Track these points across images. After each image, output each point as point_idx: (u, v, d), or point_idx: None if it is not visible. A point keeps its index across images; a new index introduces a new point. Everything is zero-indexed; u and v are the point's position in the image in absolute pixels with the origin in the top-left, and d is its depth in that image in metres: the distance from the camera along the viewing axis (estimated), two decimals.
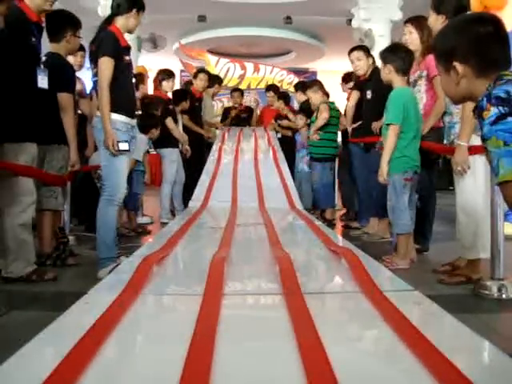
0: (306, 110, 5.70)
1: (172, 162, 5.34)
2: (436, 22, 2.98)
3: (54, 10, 3.37)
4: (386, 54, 3.19)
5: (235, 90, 7.79)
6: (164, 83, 5.48)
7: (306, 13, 9.21)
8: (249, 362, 0.98)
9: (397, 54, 3.15)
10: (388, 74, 3.16)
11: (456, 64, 1.53)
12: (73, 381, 0.85)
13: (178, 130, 5.36)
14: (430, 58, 3.27)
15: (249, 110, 7.75)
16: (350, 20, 8.78)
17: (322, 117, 4.95)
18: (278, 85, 9.14)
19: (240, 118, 7.39)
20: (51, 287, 2.77)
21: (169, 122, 5.19)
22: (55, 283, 2.85)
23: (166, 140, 5.16)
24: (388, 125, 3.08)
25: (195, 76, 6.29)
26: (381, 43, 7.63)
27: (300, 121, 5.78)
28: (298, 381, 0.86)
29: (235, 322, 1.22)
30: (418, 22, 3.48)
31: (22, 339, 1.04)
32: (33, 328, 1.13)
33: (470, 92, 1.55)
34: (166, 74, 5.56)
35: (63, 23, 3.37)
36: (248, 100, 11.60)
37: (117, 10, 2.99)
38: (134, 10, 2.99)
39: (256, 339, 1.12)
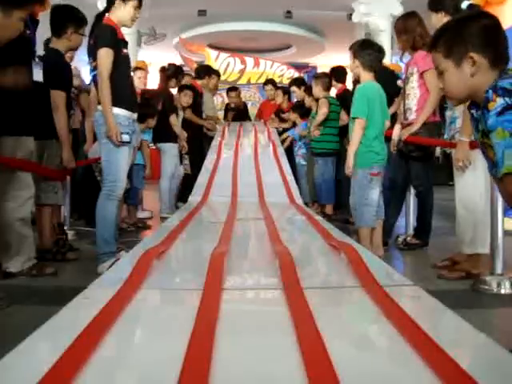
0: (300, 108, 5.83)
1: (172, 156, 5.34)
2: (438, 21, 2.96)
3: (59, 5, 3.35)
4: (356, 49, 3.18)
5: (231, 89, 7.78)
6: (173, 80, 5.50)
7: (306, 7, 9.20)
8: (248, 356, 0.98)
9: (365, 50, 3.15)
10: (355, 68, 3.16)
11: (473, 55, 1.50)
12: (72, 376, 0.85)
13: (179, 127, 5.36)
14: (419, 54, 3.31)
15: (243, 107, 7.78)
16: (351, 15, 8.76)
17: (322, 112, 4.96)
18: (278, 80, 9.15)
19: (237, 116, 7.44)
20: (51, 282, 2.77)
21: (173, 118, 5.18)
22: (55, 278, 2.86)
23: (166, 135, 5.16)
24: (354, 119, 3.08)
25: (201, 77, 6.28)
26: (381, 38, 7.63)
27: (291, 117, 5.94)
28: (297, 375, 0.86)
29: (235, 316, 1.22)
30: (397, 23, 3.56)
31: (22, 334, 1.04)
32: (32, 322, 1.13)
33: (478, 87, 1.51)
34: (182, 72, 5.63)
35: (65, 19, 3.32)
36: (248, 95, 11.62)
37: (110, 4, 2.99)
38: (128, 3, 2.97)
39: (256, 334, 1.12)
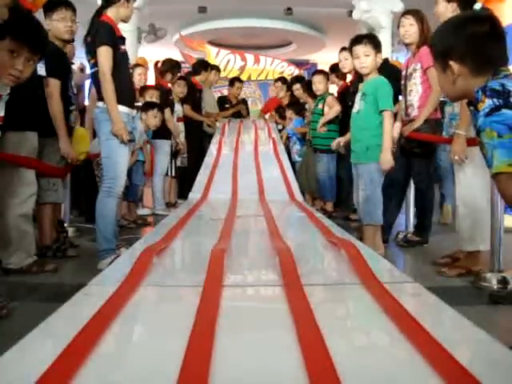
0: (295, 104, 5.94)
1: (165, 153, 5.34)
2: (446, 11, 2.92)
3: None
4: (378, 43, 3.13)
5: (238, 80, 7.55)
6: (168, 75, 5.50)
7: (306, 4, 9.18)
8: (248, 353, 0.98)
9: (379, 43, 3.14)
10: (377, 62, 3.10)
11: (452, 63, 1.54)
12: (72, 373, 0.85)
13: (173, 122, 5.34)
14: (423, 50, 3.26)
15: (243, 103, 7.64)
16: (351, 11, 8.73)
17: (335, 110, 4.95)
18: (278, 76, 9.10)
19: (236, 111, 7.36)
20: (51, 279, 2.77)
21: (167, 112, 5.17)
22: (55, 275, 2.86)
23: (160, 131, 5.14)
24: (382, 112, 3.05)
25: (198, 73, 6.28)
26: (382, 35, 7.61)
27: (287, 113, 6.03)
28: (297, 372, 0.86)
29: (235, 313, 1.22)
30: (419, 14, 3.45)
31: (22, 330, 1.04)
32: (33, 319, 1.13)
33: (466, 90, 1.56)
34: (178, 67, 5.61)
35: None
36: (248, 92, 11.59)
37: (106, 1, 2.98)
38: (131, 0, 2.96)
39: (256, 331, 1.12)
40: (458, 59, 1.53)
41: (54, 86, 3.19)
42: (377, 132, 3.06)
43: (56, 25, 3.26)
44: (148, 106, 4.64)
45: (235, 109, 7.26)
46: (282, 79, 7.31)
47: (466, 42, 1.53)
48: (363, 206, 3.15)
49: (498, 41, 1.54)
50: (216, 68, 6.95)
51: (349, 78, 5.17)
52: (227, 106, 7.31)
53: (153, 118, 4.62)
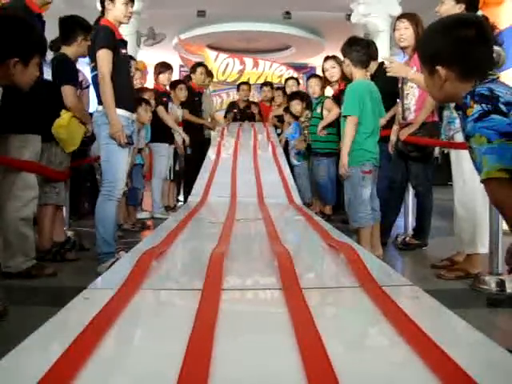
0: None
1: (163, 156, 5.35)
2: (452, 10, 2.89)
3: (67, 16, 3.43)
4: (344, 48, 3.19)
5: (243, 83, 7.61)
6: (161, 76, 5.49)
7: (305, 8, 9.20)
8: (248, 356, 0.98)
9: (352, 47, 3.14)
10: (347, 66, 3.17)
11: (439, 68, 1.53)
12: (71, 376, 0.85)
13: (170, 119, 5.32)
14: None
15: (254, 106, 7.54)
16: (349, 15, 8.75)
17: (335, 112, 4.96)
18: (277, 80, 9.14)
19: (246, 112, 7.27)
20: (51, 282, 2.78)
21: (160, 110, 5.16)
22: (55, 278, 2.86)
23: (157, 134, 5.14)
24: (345, 117, 3.09)
25: (194, 71, 6.30)
26: (380, 38, 7.63)
27: (285, 117, 6.09)
28: (296, 375, 0.86)
29: (234, 316, 1.23)
30: (414, 17, 3.46)
31: (21, 334, 1.04)
32: (32, 323, 1.13)
33: (453, 94, 1.55)
34: (163, 67, 5.58)
35: (74, 28, 3.41)
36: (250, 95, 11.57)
37: (103, 5, 3.00)
38: (115, 0, 2.95)
39: (255, 334, 1.12)
40: (445, 64, 1.52)
41: (71, 93, 3.28)
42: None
43: (85, 44, 3.42)
44: (136, 104, 4.65)
45: (228, 120, 7.21)
46: (270, 84, 7.38)
47: (452, 46, 1.51)
48: (347, 210, 3.20)
49: (485, 45, 1.53)
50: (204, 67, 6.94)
51: None
52: (235, 110, 7.30)
53: (144, 113, 4.59)
